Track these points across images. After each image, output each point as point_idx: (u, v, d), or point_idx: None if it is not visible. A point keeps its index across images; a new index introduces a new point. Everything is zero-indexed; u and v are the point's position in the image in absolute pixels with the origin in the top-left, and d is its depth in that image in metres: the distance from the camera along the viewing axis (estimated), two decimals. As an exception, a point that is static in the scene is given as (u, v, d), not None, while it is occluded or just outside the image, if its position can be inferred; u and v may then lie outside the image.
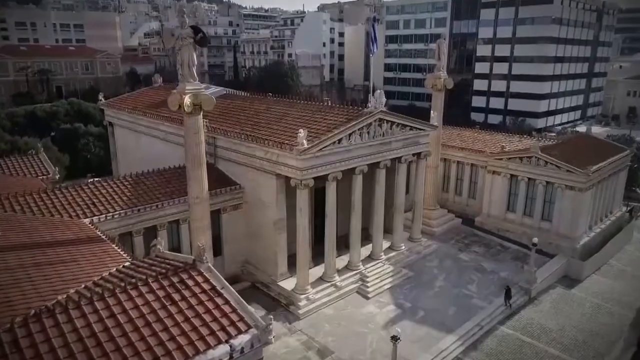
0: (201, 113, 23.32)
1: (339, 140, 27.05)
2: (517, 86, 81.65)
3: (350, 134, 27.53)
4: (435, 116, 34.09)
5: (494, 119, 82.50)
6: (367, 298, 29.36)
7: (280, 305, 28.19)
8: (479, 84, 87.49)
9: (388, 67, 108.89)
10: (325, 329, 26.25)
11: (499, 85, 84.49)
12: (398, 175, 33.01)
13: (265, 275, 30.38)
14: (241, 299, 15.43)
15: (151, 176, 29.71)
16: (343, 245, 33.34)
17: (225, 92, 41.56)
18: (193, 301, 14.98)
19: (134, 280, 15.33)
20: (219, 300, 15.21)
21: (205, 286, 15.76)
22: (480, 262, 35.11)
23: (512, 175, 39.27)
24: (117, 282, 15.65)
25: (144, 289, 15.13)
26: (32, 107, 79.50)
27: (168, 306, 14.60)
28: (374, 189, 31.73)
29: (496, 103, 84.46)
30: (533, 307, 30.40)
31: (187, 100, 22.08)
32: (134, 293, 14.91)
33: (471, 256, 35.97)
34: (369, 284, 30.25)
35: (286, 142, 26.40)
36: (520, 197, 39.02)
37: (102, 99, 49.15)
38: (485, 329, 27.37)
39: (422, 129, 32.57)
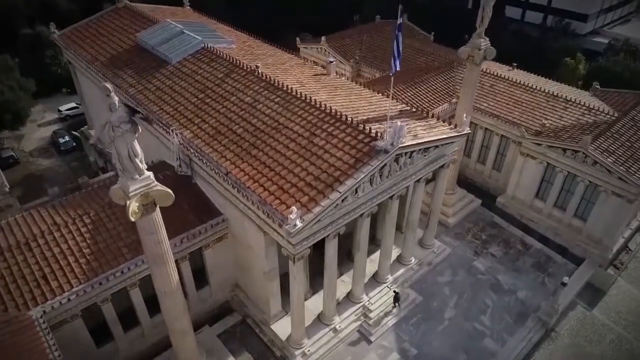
0: (157, 208, 17.22)
1: (343, 200, 21.12)
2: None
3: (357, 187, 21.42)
4: (467, 120, 26.68)
5: (533, 17, 68.31)
6: (370, 342, 26.75)
7: (274, 357, 25.80)
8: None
9: None
10: (322, 395, 24.31)
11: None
12: (414, 194, 27.44)
13: (257, 310, 27.37)
14: None
15: (113, 212, 24.47)
16: (346, 256, 29.69)
17: (202, 45, 32.56)
18: None
19: None
20: None
21: None
22: (497, 274, 31.60)
23: (549, 164, 33.14)
24: None
25: None
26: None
27: None
28: (384, 218, 26.60)
29: (538, -3, 69.01)
30: (549, 343, 27.99)
31: (133, 206, 15.92)
32: None
33: (487, 264, 32.29)
34: (372, 321, 27.37)
35: (274, 205, 20.53)
36: (555, 188, 33.49)
37: (55, 31, 39.79)
38: (495, 387, 25.41)
39: (450, 143, 25.85)
